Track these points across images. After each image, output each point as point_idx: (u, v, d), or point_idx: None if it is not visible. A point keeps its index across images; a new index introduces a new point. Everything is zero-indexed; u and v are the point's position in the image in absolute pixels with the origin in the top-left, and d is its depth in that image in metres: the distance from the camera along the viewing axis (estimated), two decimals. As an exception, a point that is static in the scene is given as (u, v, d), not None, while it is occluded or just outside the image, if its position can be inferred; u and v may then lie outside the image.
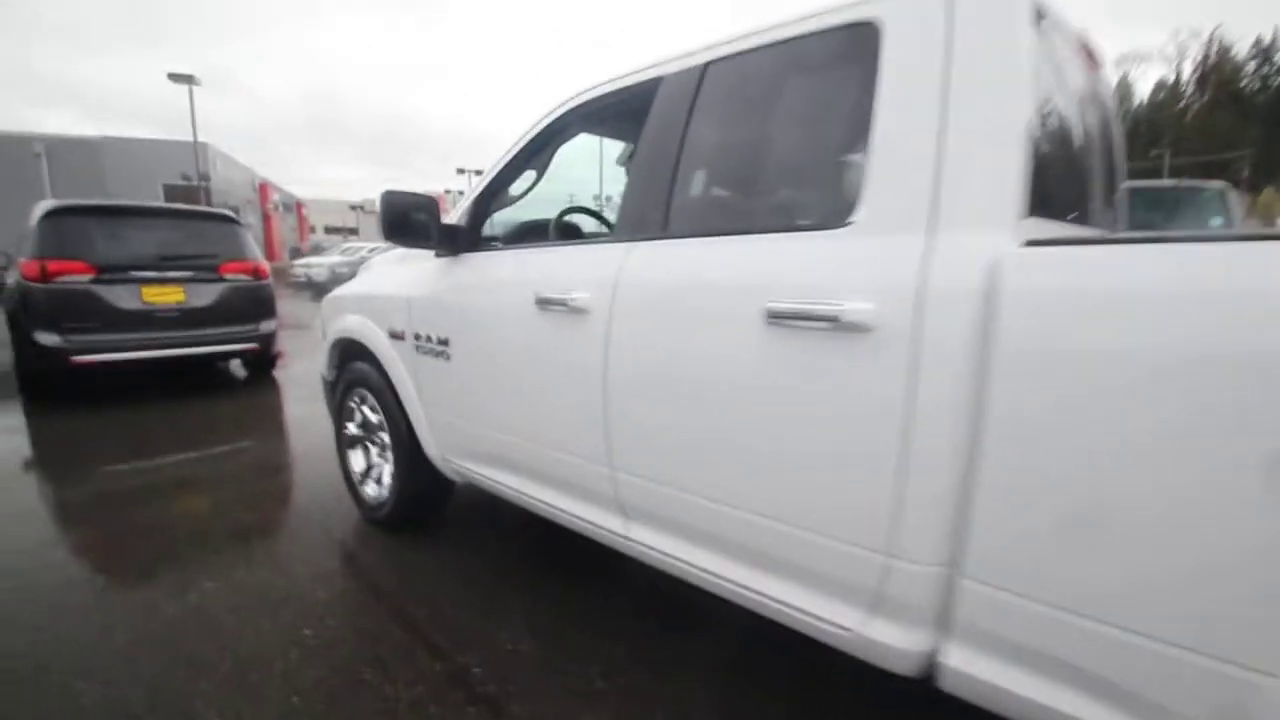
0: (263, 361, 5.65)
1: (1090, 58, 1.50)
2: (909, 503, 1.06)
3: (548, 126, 1.92)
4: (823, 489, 1.18)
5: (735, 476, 1.33)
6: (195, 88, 22.64)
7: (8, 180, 21.49)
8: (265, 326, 5.36)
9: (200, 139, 24.20)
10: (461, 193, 1.97)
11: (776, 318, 1.19)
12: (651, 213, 1.52)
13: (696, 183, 1.53)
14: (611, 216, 2.55)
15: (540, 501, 1.87)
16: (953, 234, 1.03)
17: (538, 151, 2.01)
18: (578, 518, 1.75)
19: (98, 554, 2.44)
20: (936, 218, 1.05)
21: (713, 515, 1.37)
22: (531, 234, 2.38)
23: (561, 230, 2.32)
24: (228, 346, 5.14)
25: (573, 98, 1.85)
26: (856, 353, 1.09)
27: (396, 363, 2.33)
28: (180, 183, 23.98)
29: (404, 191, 1.90)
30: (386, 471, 2.61)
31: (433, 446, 2.30)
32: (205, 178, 23.43)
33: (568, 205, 2.39)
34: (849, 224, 1.16)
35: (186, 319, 4.91)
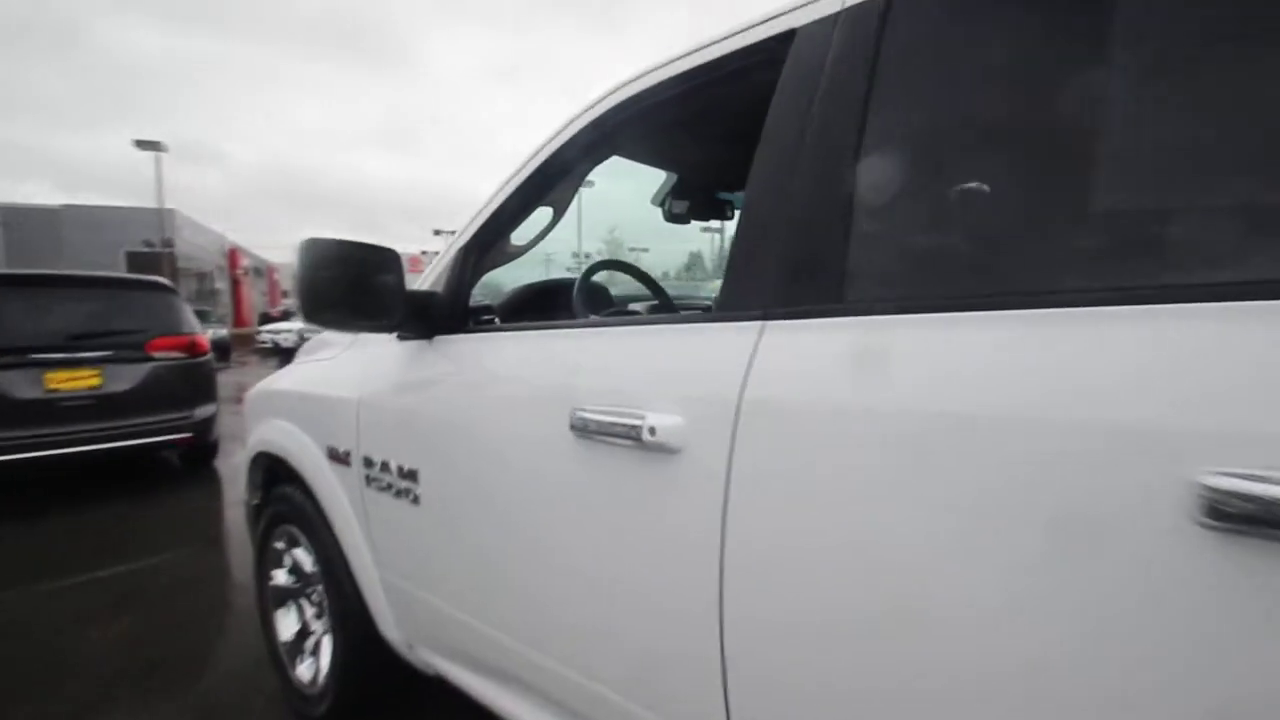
0: (200, 452, 4.76)
1: None
2: None
3: (573, 140, 1.21)
4: None
5: None
6: (165, 155, 22.22)
7: (-41, 251, 20.49)
8: (202, 412, 4.51)
9: (169, 205, 23.61)
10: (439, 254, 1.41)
11: (1228, 517, 0.46)
12: (805, 268, 0.79)
13: (909, 207, 0.80)
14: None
15: None
16: None
17: (555, 178, 1.30)
18: None
19: None
20: None
21: None
22: (540, 305, 1.64)
23: (590, 299, 1.58)
24: (154, 439, 4.26)
25: (617, 90, 1.16)
26: None
27: (338, 497, 1.54)
28: (143, 249, 23.11)
29: (339, 241, 1.16)
30: (327, 645, 1.78)
31: (392, 626, 1.49)
32: (169, 244, 22.62)
33: (593, 262, 1.66)
34: None
35: (103, 408, 4.05)
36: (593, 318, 1.36)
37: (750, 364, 0.79)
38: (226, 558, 3.24)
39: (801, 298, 0.79)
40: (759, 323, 0.81)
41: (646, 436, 0.84)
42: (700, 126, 1.24)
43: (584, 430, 0.95)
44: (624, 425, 0.88)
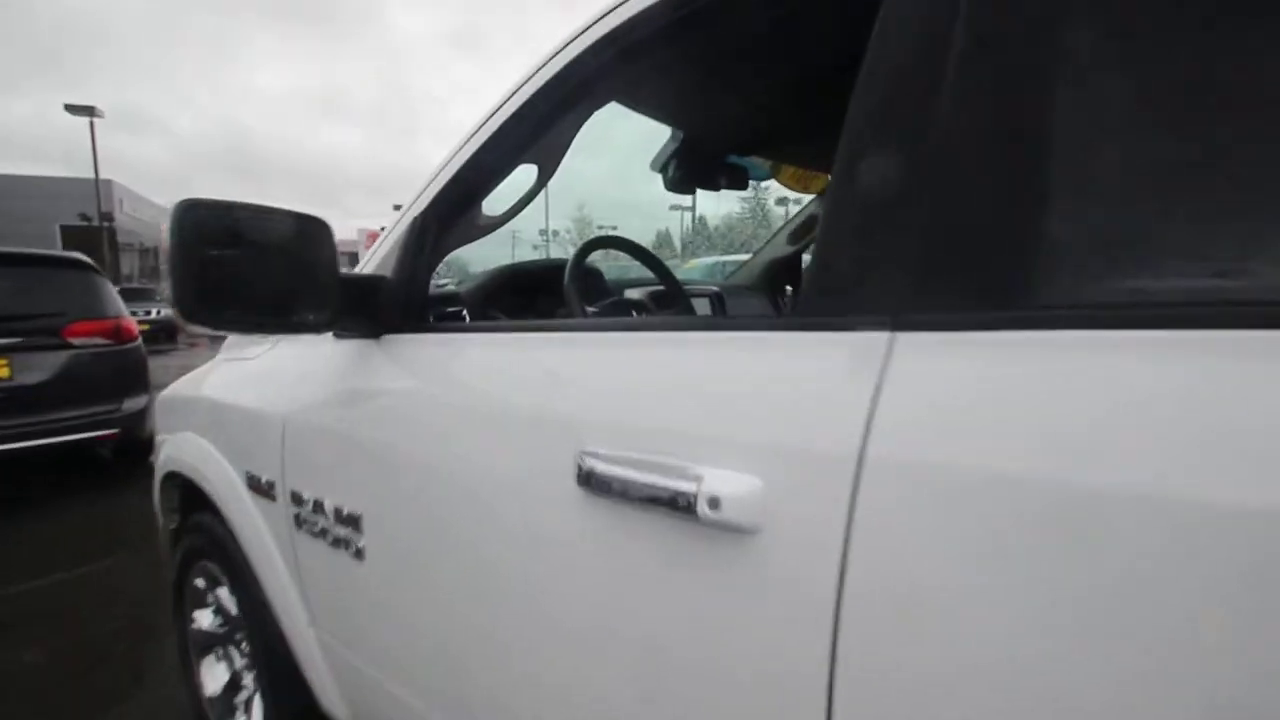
0: (131, 449, 4.30)
1: None
2: None
3: (566, 73, 0.89)
4: None
5: None
6: (101, 122, 20.77)
7: None
8: (131, 404, 4.04)
9: (110, 177, 22.20)
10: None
11: None
12: (968, 250, 0.49)
13: (1157, 162, 0.48)
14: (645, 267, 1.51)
15: None
16: None
17: (542, 126, 0.98)
18: None
19: None
20: None
21: None
22: (520, 294, 1.30)
23: (585, 288, 1.22)
24: (75, 436, 3.79)
25: (625, 4, 0.83)
26: None
27: (261, 538, 1.21)
28: (80, 224, 21.67)
29: (234, 204, 0.82)
30: (259, 706, 1.46)
31: (335, 700, 1.18)
32: (109, 218, 21.23)
33: (587, 240, 1.32)
34: None
35: (13, 402, 3.57)
36: (601, 318, 1.05)
37: (876, 399, 0.50)
38: (159, 571, 2.87)
39: (959, 297, 0.49)
40: (885, 334, 0.51)
41: (704, 510, 0.55)
42: (745, 58, 0.93)
43: (594, 485, 0.65)
44: (665, 489, 0.57)
